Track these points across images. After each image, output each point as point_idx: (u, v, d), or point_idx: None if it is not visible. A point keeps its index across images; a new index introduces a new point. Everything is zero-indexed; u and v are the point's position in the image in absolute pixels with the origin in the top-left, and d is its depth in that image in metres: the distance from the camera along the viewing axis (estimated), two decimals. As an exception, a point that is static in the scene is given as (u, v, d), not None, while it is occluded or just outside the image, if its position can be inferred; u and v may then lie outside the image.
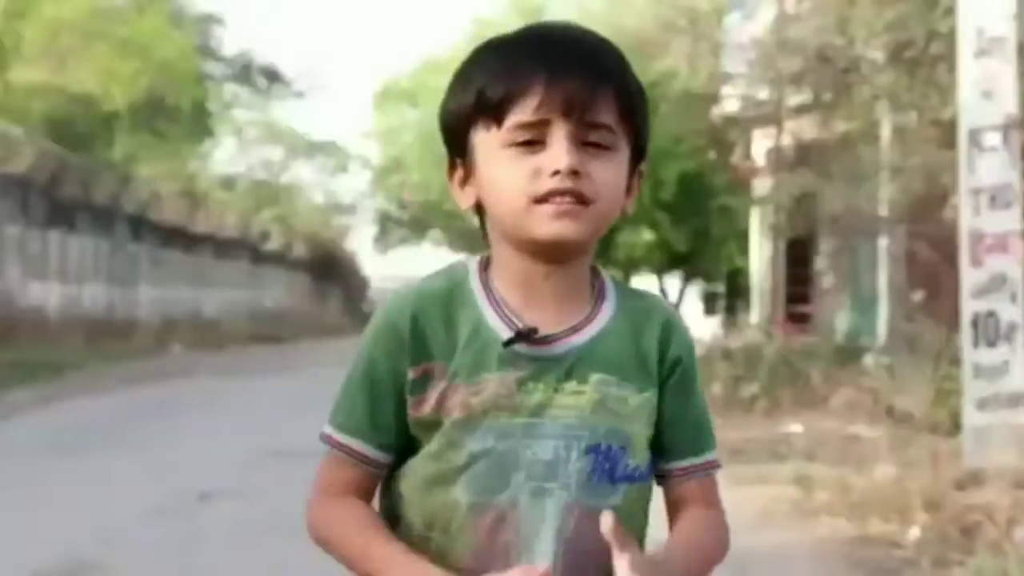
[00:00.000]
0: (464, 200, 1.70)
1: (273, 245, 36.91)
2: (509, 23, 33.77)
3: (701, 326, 25.19)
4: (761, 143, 17.48)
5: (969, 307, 7.52)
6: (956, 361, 8.26)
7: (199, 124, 29.31)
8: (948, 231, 9.23)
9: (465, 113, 1.67)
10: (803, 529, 6.82)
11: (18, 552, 6.19)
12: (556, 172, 1.60)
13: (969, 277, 7.52)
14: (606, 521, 1.54)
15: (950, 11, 8.78)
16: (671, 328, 1.73)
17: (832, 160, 13.08)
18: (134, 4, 25.38)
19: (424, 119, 35.82)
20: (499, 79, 1.63)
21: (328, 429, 1.71)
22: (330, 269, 45.47)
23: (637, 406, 1.68)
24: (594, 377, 1.66)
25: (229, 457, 9.49)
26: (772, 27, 13.79)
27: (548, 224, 1.61)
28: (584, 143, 1.62)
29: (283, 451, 9.77)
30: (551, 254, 1.66)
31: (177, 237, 28.06)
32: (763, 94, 15.12)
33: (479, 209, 1.70)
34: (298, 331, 32.23)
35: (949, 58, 8.99)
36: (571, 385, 1.65)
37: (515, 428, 1.63)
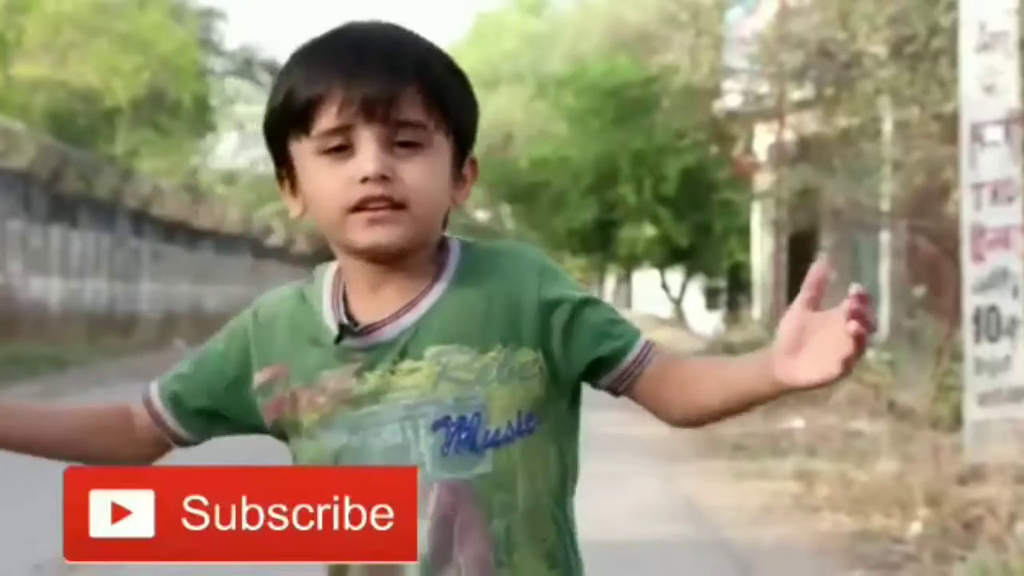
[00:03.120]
0: (294, 208, 1.70)
1: (275, 240, 36.91)
2: (511, 18, 33.85)
3: (703, 321, 25.20)
4: (763, 138, 17.48)
5: (971, 302, 7.52)
6: (958, 356, 8.27)
7: (201, 119, 29.33)
8: (950, 226, 9.24)
9: (277, 122, 1.66)
10: (804, 524, 6.82)
11: (20, 546, 6.20)
12: (365, 179, 1.58)
13: (971, 272, 7.52)
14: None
15: (952, 5, 8.78)
16: (528, 273, 1.66)
17: (834, 155, 13.07)
18: (135, -1, 25.38)
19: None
20: (301, 86, 1.62)
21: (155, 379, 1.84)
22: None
23: (483, 368, 1.62)
24: (429, 351, 1.62)
25: (231, 451, 9.48)
26: (774, 22, 13.78)
27: (364, 233, 1.60)
28: (395, 143, 1.60)
29: (285, 445, 9.78)
30: (378, 259, 1.64)
31: (179, 232, 28.06)
32: (765, 89, 15.12)
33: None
34: (300, 326, 32.20)
35: (951, 53, 8.99)
36: (407, 364, 1.62)
37: (360, 419, 1.63)
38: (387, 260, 1.64)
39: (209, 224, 30.31)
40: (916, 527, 6.32)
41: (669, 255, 24.60)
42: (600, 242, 23.26)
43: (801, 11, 12.93)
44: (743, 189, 18.18)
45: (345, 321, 1.65)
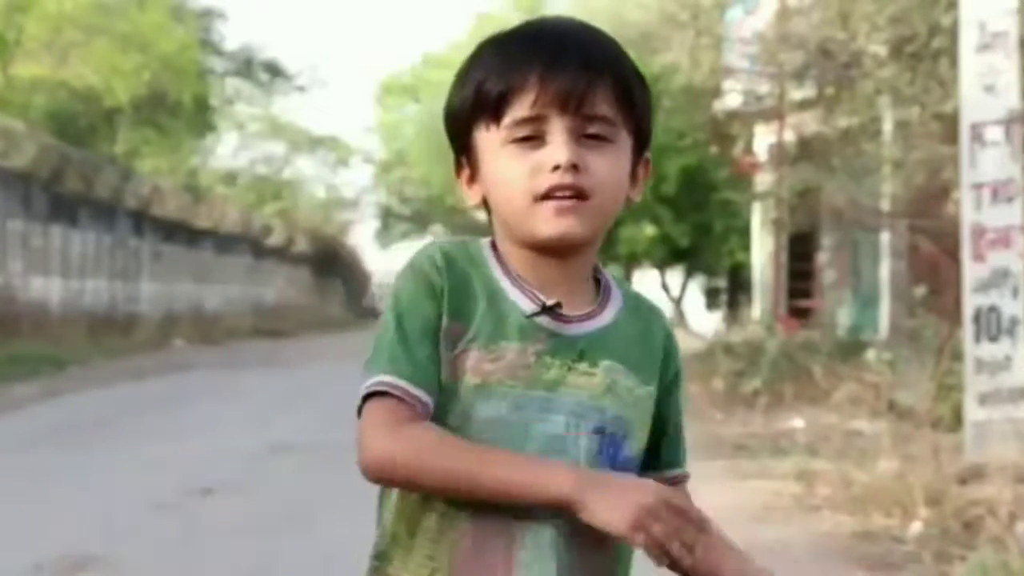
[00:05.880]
0: (471, 197, 1.72)
1: (275, 240, 36.92)
2: (510, 18, 33.76)
3: (703, 321, 25.20)
4: (763, 138, 17.48)
5: (971, 302, 7.52)
6: (958, 356, 8.26)
7: (201, 119, 29.31)
8: (950, 226, 9.23)
9: (466, 111, 1.68)
10: (805, 524, 6.82)
11: (20, 545, 6.20)
12: (556, 167, 1.61)
13: (971, 272, 7.52)
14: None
15: (952, 5, 8.78)
16: (672, 339, 1.77)
17: (834, 155, 13.07)
18: (136, -1, 25.37)
19: (425, 114, 35.79)
20: (495, 77, 1.64)
21: (376, 376, 1.61)
22: (332, 264, 45.49)
23: (640, 398, 1.70)
24: (604, 362, 1.67)
25: (232, 451, 9.50)
26: (774, 21, 13.78)
27: (550, 222, 1.63)
28: (583, 135, 1.63)
29: (286, 445, 9.78)
30: (555, 250, 1.67)
31: (179, 232, 28.07)
32: (765, 88, 15.12)
33: (487, 205, 1.72)
34: (300, 326, 32.25)
35: (951, 52, 8.99)
36: (583, 366, 1.66)
37: (530, 400, 1.63)
38: (562, 253, 1.67)
39: (209, 224, 30.31)
40: (916, 527, 6.32)
41: (669, 255, 24.61)
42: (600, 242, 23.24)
43: (801, 11, 12.92)
44: (743, 189, 18.17)
45: (546, 301, 1.65)
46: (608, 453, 1.66)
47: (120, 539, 6.39)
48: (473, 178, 1.71)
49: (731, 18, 15.91)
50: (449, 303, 1.63)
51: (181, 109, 26.56)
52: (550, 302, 1.65)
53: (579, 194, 1.62)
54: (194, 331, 25.25)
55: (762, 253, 19.36)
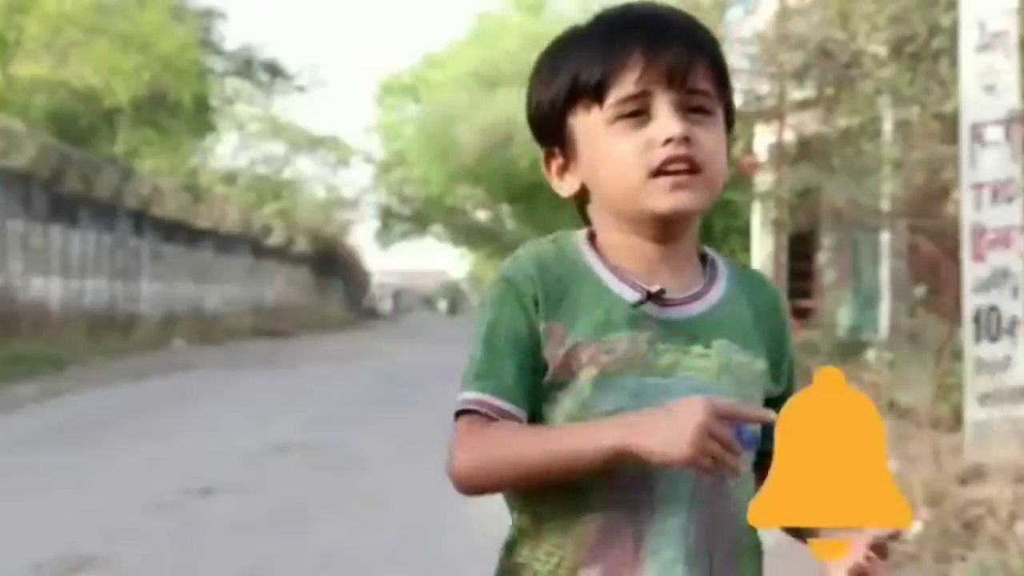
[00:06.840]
0: (567, 188, 1.73)
1: (275, 240, 36.92)
2: (510, 19, 33.80)
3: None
4: (763, 138, 17.47)
5: (971, 302, 7.52)
6: (958, 356, 8.25)
7: (201, 119, 29.32)
8: (950, 226, 9.23)
9: (560, 100, 1.68)
10: (805, 523, 6.80)
11: (20, 545, 6.20)
12: (668, 140, 1.62)
13: (971, 272, 7.52)
14: None
15: (952, 5, 8.77)
16: (780, 305, 1.79)
17: (834, 155, 13.07)
18: (136, -2, 25.37)
19: (425, 114, 35.79)
20: (595, 60, 1.65)
21: (462, 396, 1.64)
22: (332, 264, 45.50)
23: (757, 372, 1.70)
24: (718, 342, 1.66)
25: (231, 451, 9.50)
26: (774, 21, 13.77)
27: (666, 197, 1.63)
28: (687, 110, 1.64)
29: (285, 445, 9.78)
30: (666, 227, 1.67)
31: (179, 232, 28.07)
32: (765, 89, 15.11)
33: (578, 197, 1.72)
34: (300, 326, 32.25)
35: (951, 52, 8.99)
36: (697, 348, 1.65)
37: (648, 388, 1.62)
38: (671, 232, 1.68)
39: (209, 224, 30.31)
40: (916, 527, 6.32)
41: (669, 255, 24.64)
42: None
43: (801, 11, 12.92)
44: (743, 189, 18.16)
45: (651, 289, 1.65)
46: (733, 432, 1.62)
47: (120, 539, 6.39)
48: (566, 168, 1.72)
49: (731, 18, 15.90)
50: (544, 308, 1.63)
51: (181, 109, 26.57)
52: (653, 289, 1.65)
53: (692, 167, 1.63)
54: (194, 331, 25.25)
55: (762, 253, 19.35)
